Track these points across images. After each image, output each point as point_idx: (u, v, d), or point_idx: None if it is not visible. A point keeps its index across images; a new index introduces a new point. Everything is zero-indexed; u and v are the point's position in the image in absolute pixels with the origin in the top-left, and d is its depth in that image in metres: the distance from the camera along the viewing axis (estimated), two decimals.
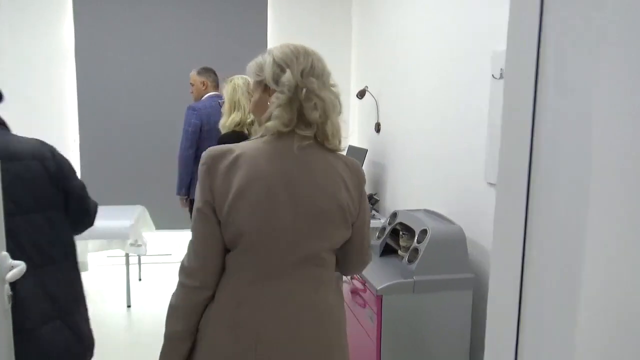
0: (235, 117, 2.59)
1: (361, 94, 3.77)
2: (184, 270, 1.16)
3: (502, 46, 2.05)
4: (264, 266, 1.16)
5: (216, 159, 1.15)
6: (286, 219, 1.14)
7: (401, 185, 3.29)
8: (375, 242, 2.63)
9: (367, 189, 3.97)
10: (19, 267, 1.23)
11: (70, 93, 4.23)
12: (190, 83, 3.55)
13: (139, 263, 4.24)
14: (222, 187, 1.13)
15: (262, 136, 1.20)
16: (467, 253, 2.18)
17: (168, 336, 1.19)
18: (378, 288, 2.10)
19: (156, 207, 4.13)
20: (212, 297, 1.18)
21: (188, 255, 1.17)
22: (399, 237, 2.54)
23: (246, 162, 1.14)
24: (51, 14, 4.12)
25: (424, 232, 2.22)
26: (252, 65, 1.25)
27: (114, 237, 3.51)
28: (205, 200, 1.14)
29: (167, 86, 4.06)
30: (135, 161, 4.37)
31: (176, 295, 1.18)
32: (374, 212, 3.46)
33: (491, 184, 2.17)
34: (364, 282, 2.30)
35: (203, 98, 3.45)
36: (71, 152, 4.28)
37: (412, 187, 3.09)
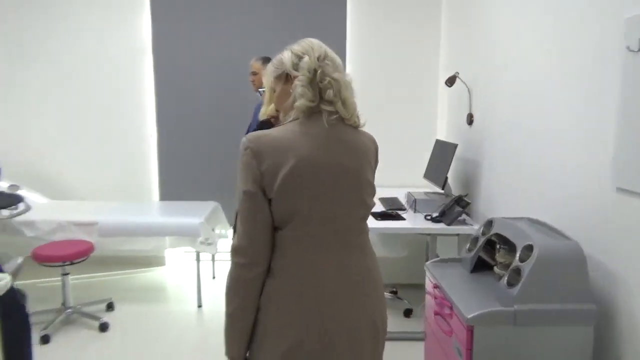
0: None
1: (451, 81, 3.31)
2: (235, 249, 1.25)
3: (638, 9, 1.58)
4: (316, 238, 1.26)
5: (259, 142, 1.24)
6: (333, 193, 1.27)
7: (498, 187, 2.81)
8: (466, 255, 2.21)
9: (457, 189, 3.51)
10: None
11: (148, 89, 4.21)
12: (253, 72, 3.35)
13: (213, 260, 4.13)
14: (271, 167, 1.22)
15: (293, 120, 1.31)
16: (587, 277, 1.70)
17: (228, 314, 1.28)
18: (468, 316, 1.70)
19: (232, 204, 3.97)
20: (266, 273, 1.28)
21: (238, 235, 1.25)
22: (495, 250, 2.10)
23: (289, 142, 1.25)
24: (129, 11, 4.11)
25: (528, 247, 1.77)
26: (270, 65, 1.39)
27: (184, 235, 3.39)
28: (255, 181, 1.23)
29: (243, 82, 3.87)
30: (211, 156, 4.26)
31: (230, 274, 1.27)
32: (464, 216, 3.00)
33: (622, 190, 1.66)
34: (450, 304, 1.90)
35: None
36: (149, 146, 4.27)
37: (513, 189, 2.60)
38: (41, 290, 3.73)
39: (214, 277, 4.10)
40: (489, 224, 2.16)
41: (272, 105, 2.27)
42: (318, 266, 1.26)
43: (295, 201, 1.22)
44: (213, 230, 3.69)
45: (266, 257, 1.26)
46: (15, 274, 1.75)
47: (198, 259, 3.51)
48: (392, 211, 3.17)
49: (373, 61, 4.11)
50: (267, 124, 2.45)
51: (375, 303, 1.34)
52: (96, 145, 4.27)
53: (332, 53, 1.33)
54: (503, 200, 2.73)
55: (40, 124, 4.24)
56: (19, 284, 3.45)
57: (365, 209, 1.33)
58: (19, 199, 3.12)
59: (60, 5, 4.10)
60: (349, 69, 4.03)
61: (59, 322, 3.15)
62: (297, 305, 1.25)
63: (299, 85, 1.27)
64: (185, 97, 4.19)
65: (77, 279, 3.91)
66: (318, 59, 1.28)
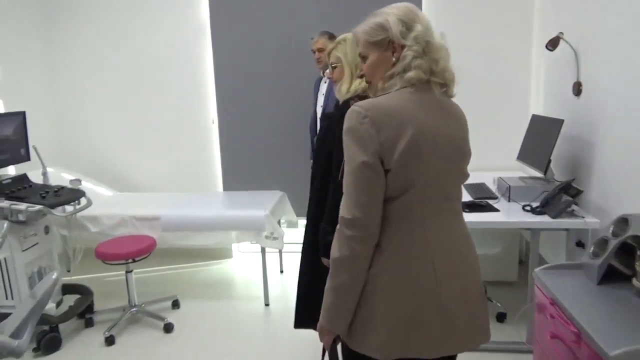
0: (363, 81, 1.95)
1: (553, 44, 2.76)
2: (348, 222, 1.19)
3: None
4: (427, 206, 1.24)
5: (377, 110, 1.19)
6: (446, 163, 1.26)
7: (621, 173, 2.27)
8: (590, 261, 1.74)
9: (561, 174, 2.97)
10: None
11: (208, 75, 3.98)
12: (318, 49, 3.03)
13: (280, 253, 3.88)
14: (390, 137, 1.18)
15: (401, 89, 1.25)
16: None
17: (335, 288, 1.24)
18: (612, 354, 1.26)
19: (298, 192, 3.68)
20: (376, 245, 1.24)
21: (348, 207, 1.20)
22: (635, 257, 1.62)
23: (407, 112, 1.21)
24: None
25: None
26: (367, 27, 1.29)
27: (248, 229, 3.15)
28: (374, 152, 1.18)
29: (309, 65, 3.51)
30: (275, 143, 3.98)
31: (340, 248, 1.21)
32: (573, 207, 2.49)
33: None
34: (577, 330, 1.46)
35: None
36: (211, 134, 4.06)
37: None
38: (107, 285, 3.67)
39: (281, 271, 3.85)
40: (623, 222, 1.68)
41: (358, 81, 1.92)
42: (428, 234, 1.25)
43: (415, 172, 1.20)
44: (279, 222, 3.43)
45: (379, 229, 1.23)
46: (46, 297, 1.54)
47: (264, 253, 3.25)
48: (481, 201, 2.72)
49: (450, 22, 3.59)
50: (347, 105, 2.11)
51: (477, 268, 1.35)
52: (158, 135, 4.13)
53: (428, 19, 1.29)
54: (627, 189, 2.19)
55: (102, 115, 4.16)
56: (84, 279, 3.43)
57: (465, 178, 1.35)
58: (81, 194, 3.01)
59: None
60: None
61: (124, 321, 3.03)
62: (411, 276, 1.23)
63: (411, 56, 1.23)
64: (246, 82, 3.92)
65: (141, 272, 3.81)
66: (426, 27, 1.25)
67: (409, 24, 1.24)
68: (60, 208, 2.91)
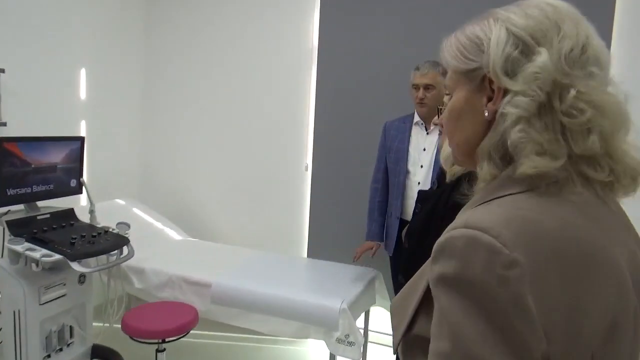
0: None
1: None
2: None
3: None
4: None
5: (536, 246, 0.55)
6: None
7: None
8: None
9: None
10: None
11: (308, 111, 3.29)
12: (425, 85, 2.18)
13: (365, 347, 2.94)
14: (565, 312, 0.55)
15: (517, 192, 0.63)
16: None
17: None
18: None
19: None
20: None
21: None
22: None
23: (585, 244, 0.58)
24: (298, 13, 3.27)
25: None
26: (457, 42, 0.72)
27: (316, 323, 2.30)
28: (528, 347, 0.53)
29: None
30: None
31: None
32: None
33: None
34: None
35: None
36: (302, 182, 3.34)
37: None
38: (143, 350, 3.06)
39: None
40: None
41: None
42: None
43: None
44: (367, 314, 2.52)
45: None
46: None
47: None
48: None
49: None
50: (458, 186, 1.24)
51: None
52: (243, 177, 3.53)
53: (596, 38, 0.64)
54: None
55: (189, 148, 3.71)
56: (120, 339, 2.81)
57: None
58: (123, 242, 2.45)
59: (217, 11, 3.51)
60: (616, 70, 2.44)
61: None
62: None
63: (514, 118, 0.61)
64: (348, 123, 3.14)
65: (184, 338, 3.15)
66: (567, 56, 0.61)
67: (530, 46, 0.63)
68: (92, 260, 2.38)
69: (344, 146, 3.14)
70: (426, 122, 2.34)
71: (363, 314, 2.71)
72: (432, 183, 1.38)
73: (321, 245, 3.24)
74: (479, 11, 0.72)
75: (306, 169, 3.30)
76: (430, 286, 0.62)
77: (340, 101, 3.14)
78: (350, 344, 2.25)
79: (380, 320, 3.06)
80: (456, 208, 0.88)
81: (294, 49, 3.29)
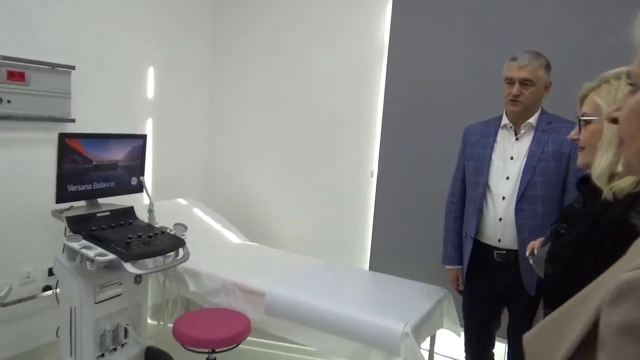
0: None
1: None
2: None
3: None
4: None
5: None
6: None
7: None
8: None
9: None
10: None
11: (376, 111, 3.08)
12: (525, 80, 1.83)
13: None
14: None
15: None
16: None
17: None
18: None
19: None
20: None
21: None
22: None
23: None
24: (369, 5, 3.07)
25: None
26: None
27: (375, 346, 2.08)
28: None
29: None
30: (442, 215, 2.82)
31: None
32: None
33: None
34: None
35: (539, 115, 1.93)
36: (367, 191, 3.13)
37: None
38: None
39: None
40: None
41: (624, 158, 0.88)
42: None
43: None
44: (433, 339, 2.28)
45: None
46: None
47: None
48: None
49: None
50: (590, 192, 1.09)
51: None
52: (308, 181, 3.39)
53: None
54: None
55: (252, 148, 3.62)
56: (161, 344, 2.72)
57: None
58: (179, 244, 2.38)
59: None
60: None
61: None
62: None
63: None
64: (419, 126, 2.89)
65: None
66: None
67: None
68: (148, 260, 2.32)
69: (414, 152, 2.90)
70: (516, 126, 1.94)
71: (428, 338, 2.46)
72: (576, 200, 1.12)
73: (384, 258, 3.02)
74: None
75: (372, 175, 3.09)
76: (605, 333, 0.50)
77: (411, 103, 2.90)
78: None
79: (447, 343, 2.79)
80: (624, 233, 0.81)
81: (363, 45, 3.10)
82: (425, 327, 2.23)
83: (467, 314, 2.14)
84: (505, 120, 1.98)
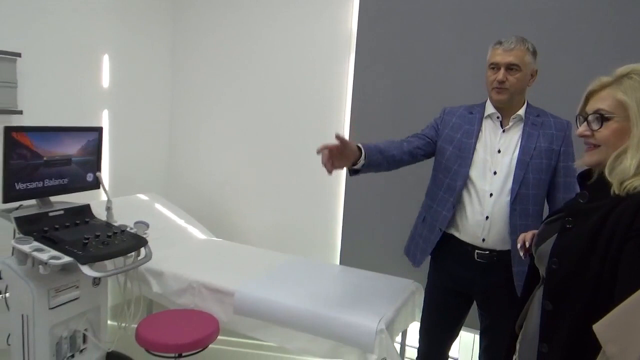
0: None
1: None
2: None
3: None
4: None
5: None
6: None
7: None
8: None
9: None
10: None
11: (344, 104, 3.01)
12: (508, 65, 1.72)
13: None
14: None
15: None
16: None
17: None
18: None
19: None
20: None
21: None
22: None
23: None
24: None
25: None
26: None
27: (349, 344, 2.04)
28: None
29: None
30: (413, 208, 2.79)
31: None
32: None
33: None
34: None
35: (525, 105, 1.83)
36: (338, 183, 3.07)
37: None
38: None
39: None
40: None
41: None
42: None
43: None
44: (404, 334, 2.25)
45: None
46: None
47: None
48: None
49: None
50: (596, 188, 1.10)
51: None
52: (273, 174, 3.29)
53: None
54: None
55: (217, 142, 3.49)
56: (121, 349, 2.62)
57: None
58: (141, 243, 2.25)
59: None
60: None
61: None
62: None
63: None
64: (390, 118, 2.85)
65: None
66: None
67: None
68: (107, 261, 2.18)
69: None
70: (503, 116, 1.80)
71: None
72: (580, 195, 1.08)
73: (355, 252, 2.97)
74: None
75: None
76: None
77: (380, 94, 2.85)
78: None
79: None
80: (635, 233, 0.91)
81: (330, 35, 3.02)
82: (398, 322, 2.20)
83: (428, 304, 2.04)
84: (490, 109, 1.83)
